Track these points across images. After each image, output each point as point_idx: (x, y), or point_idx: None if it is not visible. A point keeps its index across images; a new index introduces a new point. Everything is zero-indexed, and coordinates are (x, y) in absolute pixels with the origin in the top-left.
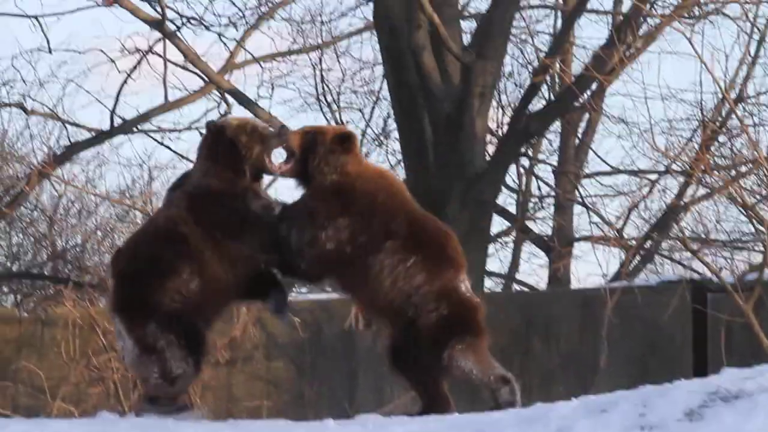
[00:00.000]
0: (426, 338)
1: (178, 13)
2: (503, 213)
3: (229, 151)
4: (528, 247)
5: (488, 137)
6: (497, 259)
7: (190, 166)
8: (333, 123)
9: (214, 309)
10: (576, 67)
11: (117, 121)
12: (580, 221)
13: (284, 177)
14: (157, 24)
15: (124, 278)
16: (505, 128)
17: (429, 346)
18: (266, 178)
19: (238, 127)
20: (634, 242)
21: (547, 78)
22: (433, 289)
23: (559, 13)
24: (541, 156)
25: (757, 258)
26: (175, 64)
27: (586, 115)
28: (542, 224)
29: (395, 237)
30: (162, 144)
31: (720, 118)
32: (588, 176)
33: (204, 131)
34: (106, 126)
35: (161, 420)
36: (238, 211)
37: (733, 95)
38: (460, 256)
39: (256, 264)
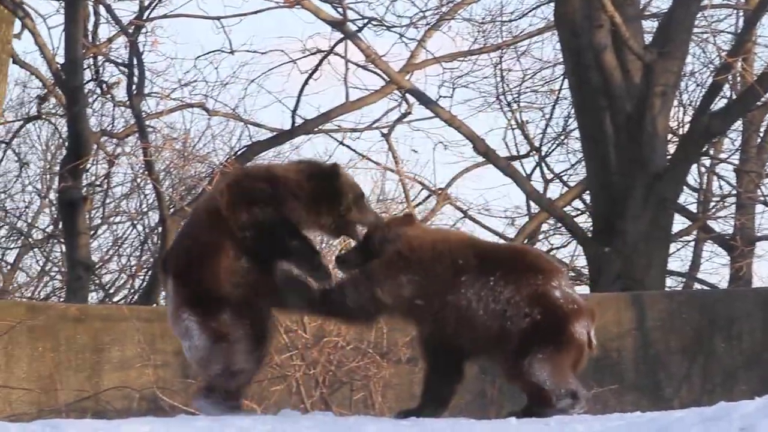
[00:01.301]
0: (514, 343)
1: (359, 13)
2: (684, 212)
3: (330, 194)
4: (709, 246)
5: (669, 136)
6: (678, 258)
7: (371, 165)
8: (513, 122)
9: (269, 290)
10: (758, 66)
11: (298, 121)
12: (763, 220)
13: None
14: (339, 24)
15: (182, 276)
16: (687, 127)
17: (514, 352)
18: None
19: (352, 186)
20: None
21: (729, 77)
22: (523, 295)
23: (741, 12)
24: (722, 155)
25: None
26: (356, 64)
27: None
28: (724, 223)
29: (467, 270)
30: (342, 144)
31: None
32: None
33: (321, 163)
34: (287, 126)
35: (343, 418)
36: (277, 196)
37: None
38: (547, 263)
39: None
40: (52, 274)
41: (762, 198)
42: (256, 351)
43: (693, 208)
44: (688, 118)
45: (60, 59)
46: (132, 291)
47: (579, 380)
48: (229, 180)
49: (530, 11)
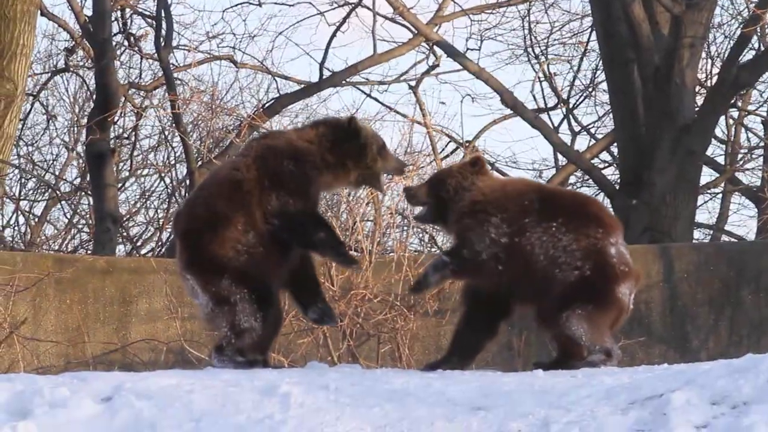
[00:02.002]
0: (558, 293)
1: None
2: (712, 164)
3: (355, 150)
4: (737, 198)
5: (697, 88)
6: (705, 210)
7: (398, 118)
8: (541, 75)
9: (276, 265)
10: None
11: (326, 74)
12: None
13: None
14: None
15: (187, 237)
16: (715, 79)
17: (556, 301)
18: None
19: (373, 136)
20: None
21: (758, 29)
22: (580, 246)
23: None
24: (750, 107)
25: None
26: (384, 17)
27: None
28: (751, 175)
29: (530, 212)
30: (370, 96)
31: None
32: None
33: (338, 121)
34: (314, 78)
35: (370, 370)
36: (303, 176)
37: None
38: (609, 217)
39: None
40: (80, 226)
41: None
42: (259, 312)
43: (721, 160)
44: (716, 70)
45: (88, 11)
46: (159, 243)
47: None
48: (253, 154)
49: None
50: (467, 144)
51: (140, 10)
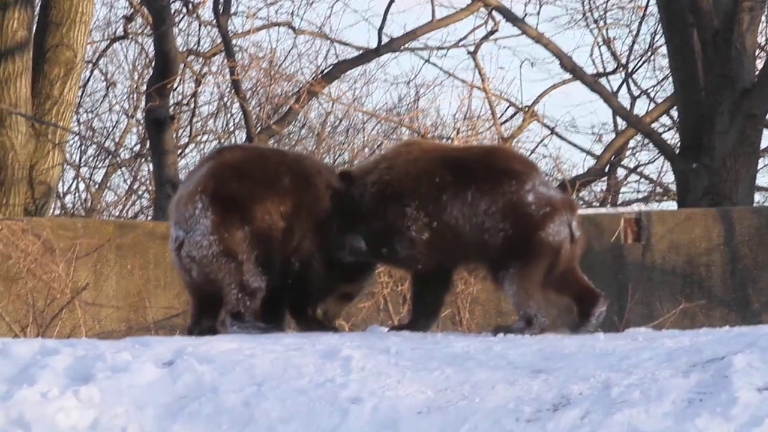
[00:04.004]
0: (492, 258)
1: None
2: None
3: None
4: None
5: (757, 52)
6: (766, 173)
7: (457, 83)
8: (600, 39)
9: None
10: None
11: (384, 39)
12: None
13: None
14: None
15: (234, 171)
16: None
17: (493, 265)
18: None
19: None
20: None
21: None
22: (498, 207)
23: None
24: None
25: None
26: None
27: None
28: None
29: (445, 187)
30: (428, 62)
31: None
32: None
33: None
34: (373, 44)
35: (431, 334)
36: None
37: None
38: (519, 163)
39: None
40: (140, 192)
41: None
42: (264, 275)
43: None
44: None
45: None
46: None
47: (603, 296)
48: None
49: None
50: (526, 109)
51: None
